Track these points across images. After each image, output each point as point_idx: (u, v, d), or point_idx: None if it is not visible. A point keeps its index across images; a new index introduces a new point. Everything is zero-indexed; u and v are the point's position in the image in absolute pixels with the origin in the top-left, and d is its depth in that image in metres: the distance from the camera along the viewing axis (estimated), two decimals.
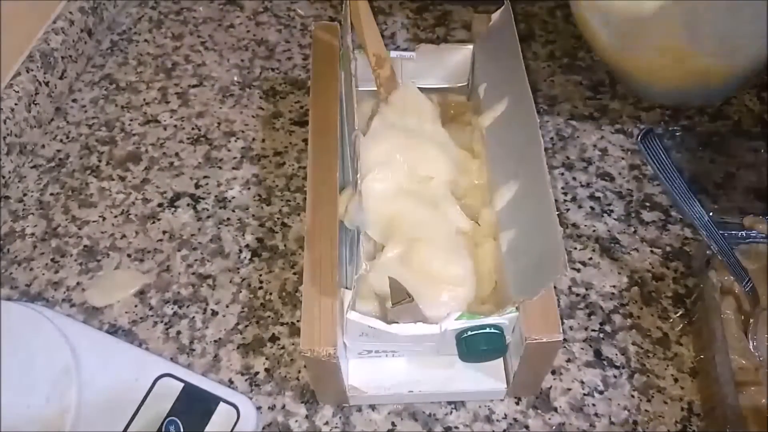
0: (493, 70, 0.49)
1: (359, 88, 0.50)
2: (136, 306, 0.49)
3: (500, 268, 0.41)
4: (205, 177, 0.56)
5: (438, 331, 0.38)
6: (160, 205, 0.54)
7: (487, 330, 0.38)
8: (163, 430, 0.40)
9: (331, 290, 0.39)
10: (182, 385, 0.42)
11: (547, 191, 0.37)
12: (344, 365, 0.41)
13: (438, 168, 0.45)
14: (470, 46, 0.51)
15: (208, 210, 0.54)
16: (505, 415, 0.44)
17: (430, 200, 0.44)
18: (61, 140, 0.58)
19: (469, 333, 0.38)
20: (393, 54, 0.51)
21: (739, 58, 0.55)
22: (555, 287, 0.49)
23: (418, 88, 0.50)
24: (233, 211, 0.54)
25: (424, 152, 0.46)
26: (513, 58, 0.46)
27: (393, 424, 0.43)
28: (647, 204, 0.54)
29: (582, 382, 0.45)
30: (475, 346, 0.38)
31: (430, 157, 0.45)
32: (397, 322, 0.38)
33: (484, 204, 0.44)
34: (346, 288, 0.39)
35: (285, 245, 0.52)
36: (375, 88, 0.50)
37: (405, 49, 0.51)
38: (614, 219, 0.53)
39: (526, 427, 0.43)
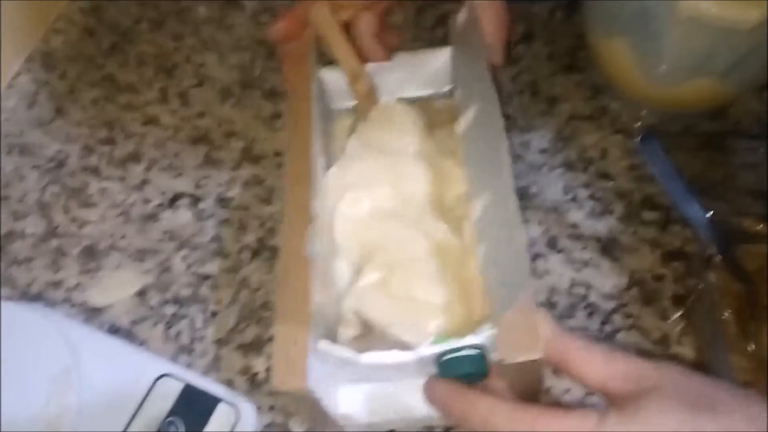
0: (464, 74, 0.48)
1: (338, 108, 0.49)
2: (136, 306, 0.49)
3: (480, 283, 0.40)
4: (205, 177, 0.56)
5: (413, 358, 0.36)
6: (160, 205, 0.54)
7: (465, 353, 0.36)
8: (163, 430, 0.40)
9: (304, 321, 0.37)
10: (182, 385, 0.42)
11: (513, 202, 0.36)
12: (333, 394, 0.40)
13: (420, 185, 0.44)
14: (448, 48, 0.50)
15: (208, 210, 0.54)
16: None
17: (413, 220, 0.43)
18: (61, 140, 0.58)
19: (447, 357, 0.36)
20: (370, 66, 0.49)
21: (755, 82, 0.55)
22: (554, 287, 0.50)
23: (401, 98, 0.48)
24: (233, 211, 0.54)
25: (404, 170, 0.44)
26: (479, 60, 0.44)
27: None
28: (648, 204, 0.54)
29: None
30: (455, 370, 0.36)
31: (412, 174, 0.44)
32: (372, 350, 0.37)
33: (467, 215, 0.43)
34: (319, 317, 0.38)
35: None
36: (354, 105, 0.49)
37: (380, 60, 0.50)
38: (614, 219, 0.53)
39: None
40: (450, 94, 0.52)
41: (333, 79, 0.49)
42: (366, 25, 0.49)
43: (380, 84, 0.50)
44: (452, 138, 0.48)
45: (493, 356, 0.37)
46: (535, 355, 0.34)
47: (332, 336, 0.38)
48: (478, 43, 0.45)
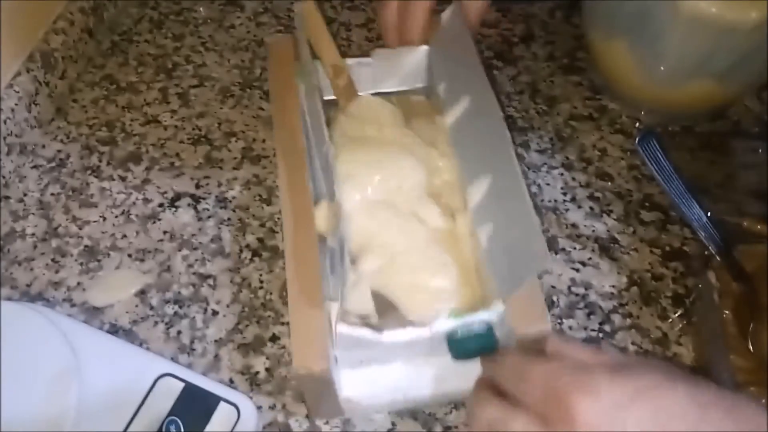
0: (451, 69, 0.49)
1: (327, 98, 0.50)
2: (136, 306, 0.49)
3: (482, 264, 0.41)
4: (205, 177, 0.56)
5: (428, 334, 0.38)
6: (160, 205, 0.54)
7: (477, 328, 0.38)
8: (164, 430, 0.40)
9: (318, 304, 0.38)
10: (183, 384, 0.42)
11: (520, 183, 0.38)
12: (337, 378, 0.40)
13: (407, 174, 0.45)
14: (425, 47, 0.51)
15: (208, 210, 0.54)
16: None
17: (406, 208, 0.44)
18: (61, 140, 0.58)
19: (459, 333, 0.38)
20: (350, 61, 0.51)
21: (755, 82, 0.55)
22: (554, 287, 0.50)
23: (378, 92, 0.50)
24: (234, 211, 0.54)
25: (389, 161, 0.45)
26: (468, 55, 0.46)
27: (393, 423, 0.43)
28: (647, 204, 0.54)
29: None
30: (466, 345, 0.38)
31: (397, 164, 0.45)
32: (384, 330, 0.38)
33: (460, 200, 0.44)
34: (332, 300, 0.38)
35: None
36: (332, 98, 0.50)
37: (360, 55, 0.51)
38: (614, 219, 0.53)
39: None
40: (425, 90, 0.53)
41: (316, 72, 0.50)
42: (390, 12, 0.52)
43: (358, 78, 0.51)
44: (432, 130, 0.49)
45: (501, 330, 0.39)
46: (545, 326, 0.37)
47: (341, 318, 0.39)
48: (466, 37, 0.47)
